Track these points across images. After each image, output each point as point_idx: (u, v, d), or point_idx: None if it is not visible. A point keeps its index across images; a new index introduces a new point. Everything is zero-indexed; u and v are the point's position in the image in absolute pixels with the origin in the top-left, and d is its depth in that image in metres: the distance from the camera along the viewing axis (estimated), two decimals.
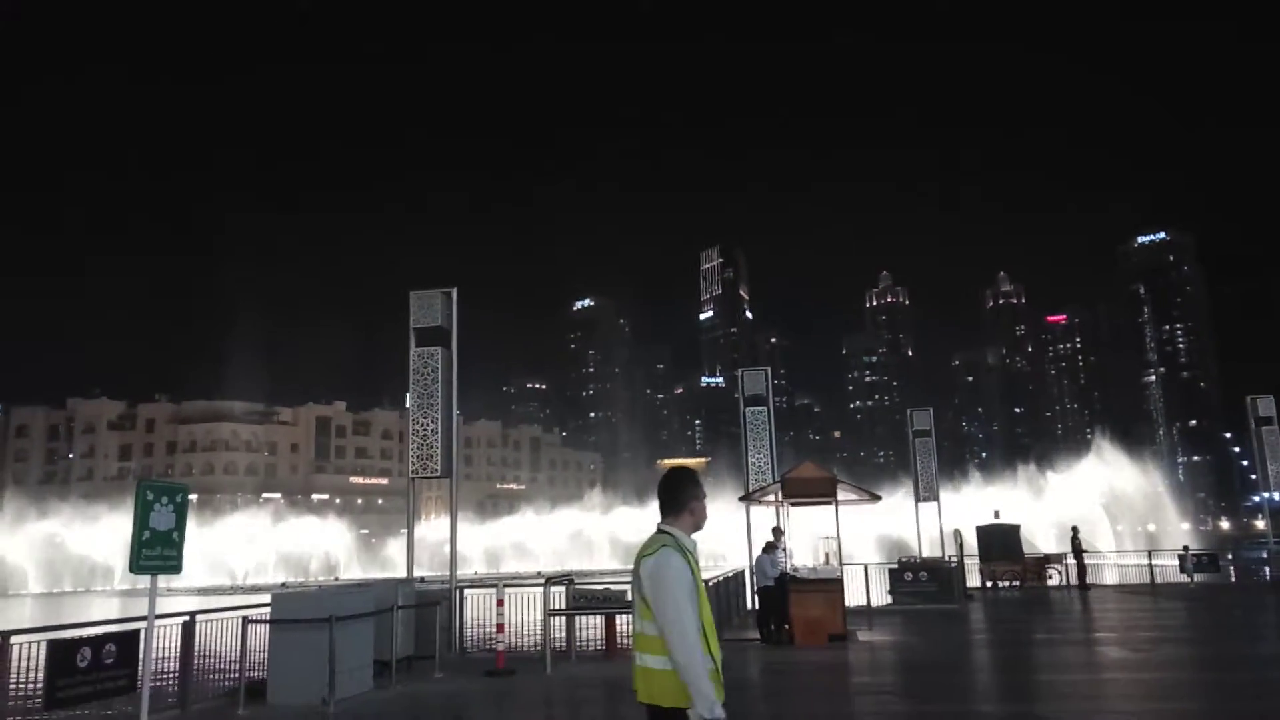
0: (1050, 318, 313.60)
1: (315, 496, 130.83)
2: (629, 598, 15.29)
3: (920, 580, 24.58)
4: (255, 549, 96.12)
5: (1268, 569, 32.54)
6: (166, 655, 11.73)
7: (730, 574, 23.25)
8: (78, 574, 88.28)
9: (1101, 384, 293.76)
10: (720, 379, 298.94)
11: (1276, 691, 11.64)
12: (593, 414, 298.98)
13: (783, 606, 17.31)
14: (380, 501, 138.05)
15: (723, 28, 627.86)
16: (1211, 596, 26.56)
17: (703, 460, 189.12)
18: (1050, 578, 32.06)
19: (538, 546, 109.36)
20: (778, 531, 19.10)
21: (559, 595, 15.83)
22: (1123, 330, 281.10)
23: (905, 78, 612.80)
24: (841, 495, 18.39)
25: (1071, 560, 31.17)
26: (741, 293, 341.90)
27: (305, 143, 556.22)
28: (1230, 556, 35.27)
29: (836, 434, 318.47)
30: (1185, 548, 33.63)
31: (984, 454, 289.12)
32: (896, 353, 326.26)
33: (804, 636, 16.77)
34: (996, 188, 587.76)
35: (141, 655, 9.58)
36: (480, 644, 17.10)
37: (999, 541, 32.33)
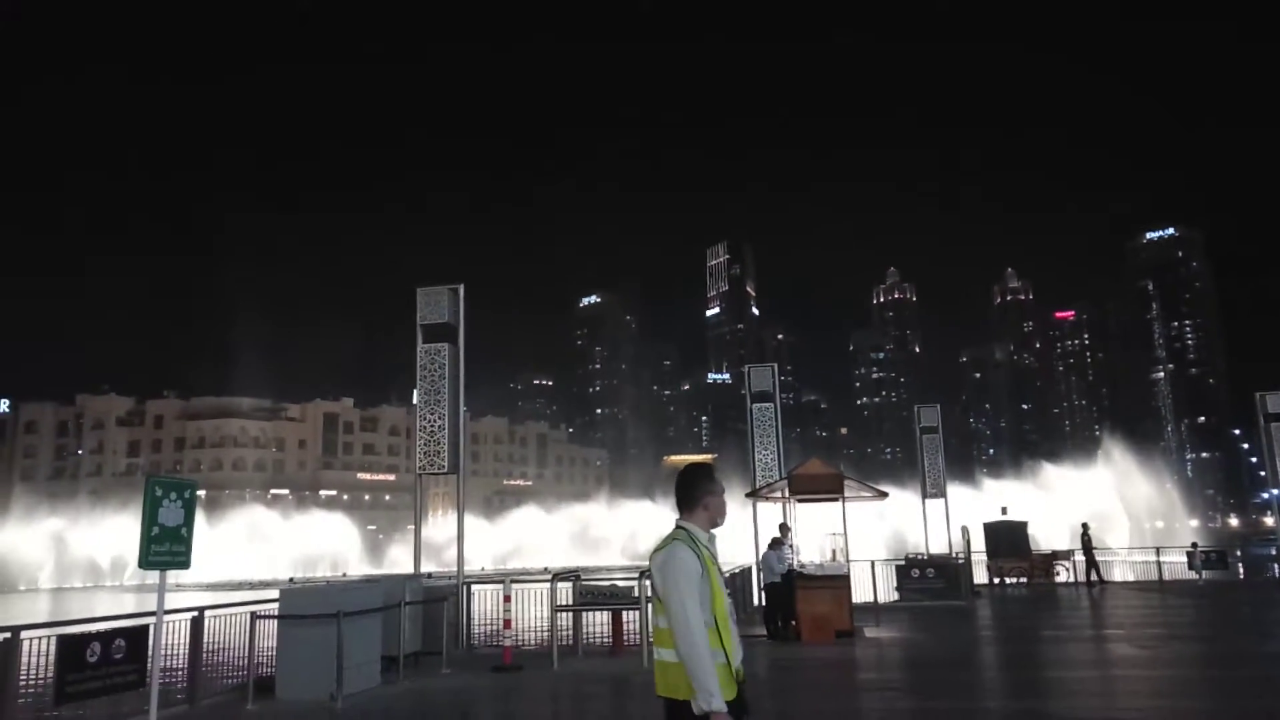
0: (1058, 314, 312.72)
1: (323, 493, 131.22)
2: (635, 594, 15.35)
3: (927, 577, 24.55)
4: (263, 545, 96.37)
5: (1276, 566, 32.47)
6: (175, 651, 11.78)
7: (737, 570, 23.25)
8: (87, 569, 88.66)
9: (1110, 380, 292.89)
10: (727, 375, 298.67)
11: None
12: (599, 410, 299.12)
13: (789, 603, 17.31)
14: (387, 498, 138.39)
15: (723, 28, 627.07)
16: (1220, 593, 26.45)
17: (709, 457, 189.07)
18: (1058, 574, 32.00)
19: (544, 542, 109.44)
20: (784, 528, 19.10)
21: (566, 591, 15.85)
22: (1131, 326, 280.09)
23: (905, 78, 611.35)
24: (848, 492, 18.37)
25: (1080, 557, 31.12)
26: (748, 289, 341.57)
27: (305, 143, 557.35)
28: (1239, 553, 35.17)
29: (843, 430, 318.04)
30: (1194, 544, 33.51)
31: (992, 450, 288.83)
32: (904, 349, 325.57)
33: (810, 633, 16.77)
34: (997, 187, 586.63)
35: (150, 650, 9.62)
36: (487, 640, 17.14)
37: (1006, 538, 32.28)
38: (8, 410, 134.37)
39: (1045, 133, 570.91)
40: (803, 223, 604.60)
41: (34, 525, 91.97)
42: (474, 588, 17.72)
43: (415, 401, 18.34)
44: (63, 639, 9.45)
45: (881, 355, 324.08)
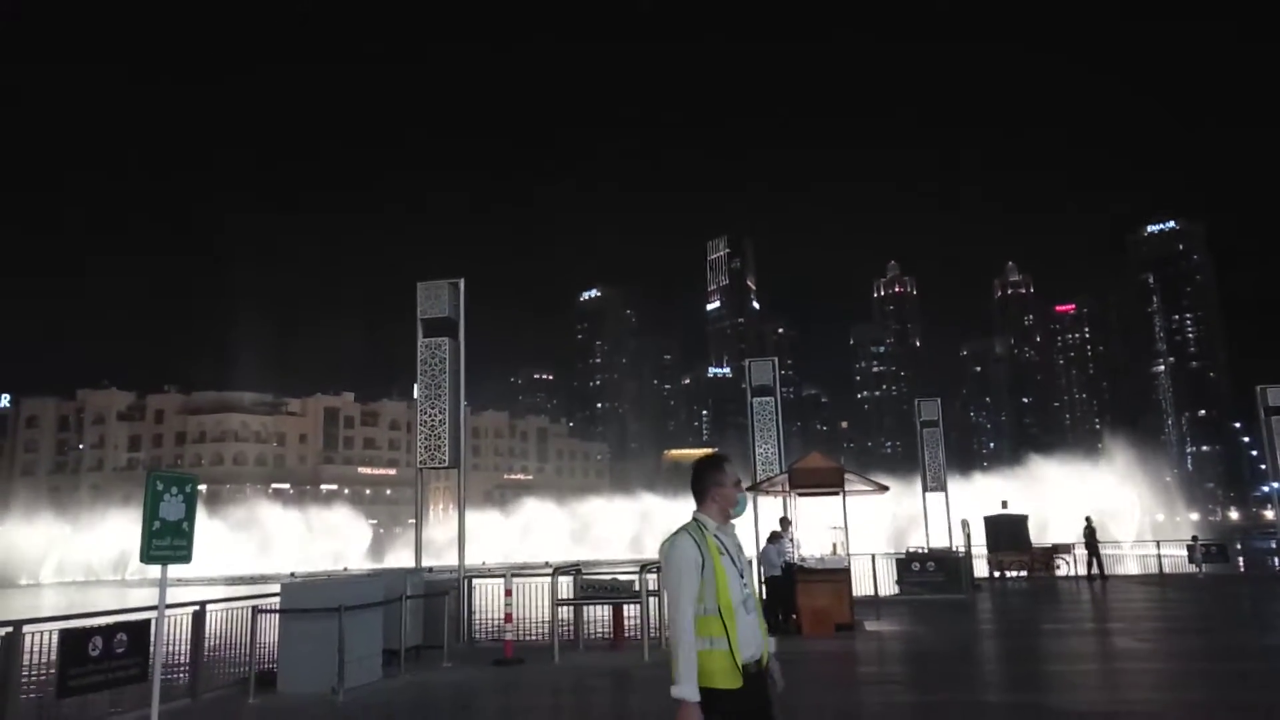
0: (1059, 307, 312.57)
1: (324, 487, 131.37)
2: (636, 588, 15.38)
3: (928, 570, 24.59)
4: (266, 540, 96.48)
5: (1277, 559, 32.46)
6: (177, 644, 11.81)
7: None
8: (89, 564, 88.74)
9: (1110, 374, 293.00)
10: (727, 369, 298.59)
11: None
12: (600, 405, 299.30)
13: (790, 596, 17.34)
14: (388, 492, 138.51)
15: (723, 28, 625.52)
16: (1220, 587, 26.47)
17: (709, 451, 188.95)
18: (1058, 568, 32.02)
19: (545, 536, 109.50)
20: (785, 521, 19.11)
21: (567, 585, 15.87)
22: (1132, 320, 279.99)
23: (905, 78, 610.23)
24: (849, 486, 18.37)
25: (1081, 551, 31.12)
26: (749, 283, 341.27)
27: (305, 143, 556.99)
28: (1239, 546, 35.17)
29: (844, 424, 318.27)
30: (1194, 538, 33.47)
31: (992, 444, 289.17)
32: (904, 343, 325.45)
33: (811, 626, 16.79)
34: (997, 187, 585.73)
35: (152, 644, 9.64)
36: (489, 633, 17.16)
37: (1007, 532, 32.28)
38: (9, 405, 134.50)
39: (1045, 132, 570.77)
40: (803, 222, 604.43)
41: (35, 519, 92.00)
42: (475, 582, 17.74)
43: (416, 396, 18.34)
44: (65, 633, 9.47)
45: (882, 349, 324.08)
